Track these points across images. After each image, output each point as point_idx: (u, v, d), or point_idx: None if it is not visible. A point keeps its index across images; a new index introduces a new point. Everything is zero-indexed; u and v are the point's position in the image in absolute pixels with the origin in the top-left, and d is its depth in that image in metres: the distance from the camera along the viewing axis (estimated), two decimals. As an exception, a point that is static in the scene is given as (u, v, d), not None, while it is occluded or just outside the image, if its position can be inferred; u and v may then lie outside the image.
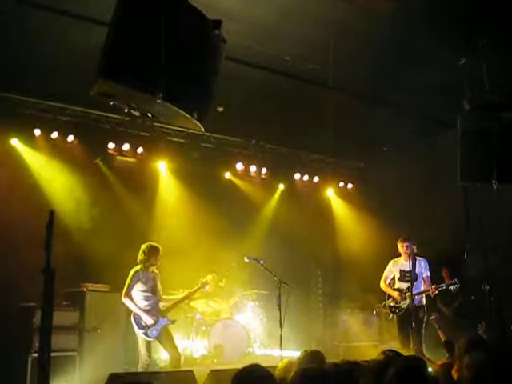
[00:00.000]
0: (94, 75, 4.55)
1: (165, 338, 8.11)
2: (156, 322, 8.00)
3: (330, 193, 13.73)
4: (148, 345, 7.99)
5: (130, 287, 7.99)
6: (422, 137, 11.15)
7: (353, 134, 10.76)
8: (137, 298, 8.04)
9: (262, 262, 8.47)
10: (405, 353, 7.93)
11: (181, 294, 8.79)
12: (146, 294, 8.07)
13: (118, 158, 10.90)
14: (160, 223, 10.63)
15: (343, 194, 13.78)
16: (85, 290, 9.11)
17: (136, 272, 8.09)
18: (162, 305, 8.28)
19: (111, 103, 5.00)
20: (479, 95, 8.18)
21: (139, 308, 7.97)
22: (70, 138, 10.31)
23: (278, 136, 11.57)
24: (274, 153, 12.61)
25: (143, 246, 8.18)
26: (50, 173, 9.95)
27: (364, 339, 11.32)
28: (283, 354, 7.61)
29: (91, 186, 10.17)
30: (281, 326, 7.77)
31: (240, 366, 8.32)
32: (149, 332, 7.93)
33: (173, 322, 8.34)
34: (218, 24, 5.06)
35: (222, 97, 7.64)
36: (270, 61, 8.38)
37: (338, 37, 7.41)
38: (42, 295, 3.95)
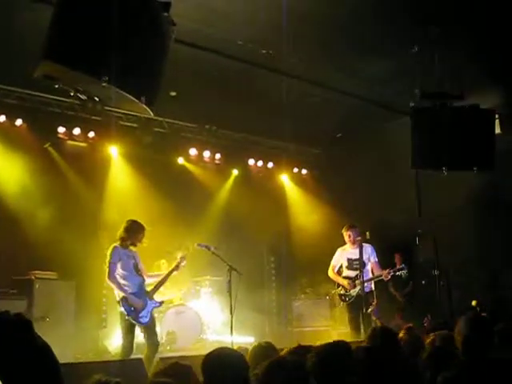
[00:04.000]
0: (39, 56, 4.41)
1: (151, 324, 7.47)
2: (144, 306, 7.34)
3: (284, 179, 13.75)
4: (133, 331, 7.27)
5: (113, 265, 7.20)
6: (375, 123, 11.24)
7: (308, 119, 10.76)
8: (120, 280, 7.24)
9: (212, 248, 8.37)
10: (356, 338, 8.09)
11: (161, 272, 8.29)
12: (127, 273, 7.32)
13: (69, 142, 10.65)
14: (111, 209, 10.43)
15: (297, 180, 13.82)
16: (33, 277, 8.90)
17: (115, 248, 7.32)
18: (146, 286, 7.61)
19: (56, 86, 4.87)
20: (431, 83, 8.24)
21: (126, 291, 7.21)
22: (19, 121, 10.00)
23: (232, 121, 11.48)
24: (227, 138, 12.53)
25: (126, 222, 7.51)
26: (-3, 157, 9.67)
27: (317, 324, 11.41)
28: (235, 341, 7.61)
29: (41, 172, 9.89)
30: (231, 313, 7.73)
31: (193, 352, 8.32)
32: (139, 318, 7.21)
33: (161, 303, 7.81)
34: (166, 6, 4.95)
35: (174, 81, 7.55)
36: (222, 44, 8.27)
37: (291, 21, 7.32)
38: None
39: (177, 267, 7.92)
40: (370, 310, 8.47)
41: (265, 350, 4.47)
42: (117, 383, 2.96)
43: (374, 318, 8.67)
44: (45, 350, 2.36)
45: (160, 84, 5.07)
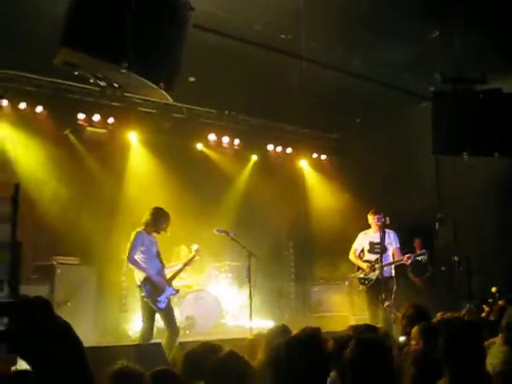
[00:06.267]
0: (58, 44, 4.44)
1: (168, 310, 7.49)
2: (163, 290, 7.35)
3: (303, 164, 13.71)
4: (153, 316, 7.34)
5: (134, 249, 7.25)
6: (396, 108, 11.16)
7: (326, 104, 10.70)
8: (140, 263, 7.30)
9: (231, 233, 8.38)
10: (374, 323, 8.06)
11: (176, 264, 8.33)
12: (148, 257, 7.36)
13: (89, 128, 10.69)
14: (131, 194, 10.51)
15: (316, 166, 13.77)
16: (55, 263, 8.99)
17: (139, 233, 7.36)
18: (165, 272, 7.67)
19: (76, 73, 4.90)
20: (451, 67, 8.15)
21: (148, 271, 7.25)
22: (39, 108, 10.07)
23: (251, 107, 11.45)
24: (246, 124, 12.51)
25: (152, 209, 7.55)
26: (18, 145, 9.74)
27: (335, 310, 11.41)
28: (254, 326, 7.64)
29: (61, 158, 9.97)
30: (250, 298, 7.76)
31: (212, 337, 8.35)
32: (157, 302, 7.25)
33: (177, 291, 7.78)
34: (185, -8, 4.95)
35: (193, 67, 7.54)
36: (241, 30, 8.24)
37: (310, 6, 7.27)
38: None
39: (191, 261, 8.02)
40: (386, 305, 8.42)
41: (281, 333, 4.48)
42: (141, 374, 3.01)
43: (389, 311, 8.64)
44: (65, 328, 2.40)
45: (179, 70, 5.08)
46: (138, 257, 7.34)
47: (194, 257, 8.01)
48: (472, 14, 7.64)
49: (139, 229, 7.47)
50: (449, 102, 8.24)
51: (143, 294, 7.24)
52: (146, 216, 7.55)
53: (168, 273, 7.80)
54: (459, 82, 8.18)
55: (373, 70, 9.68)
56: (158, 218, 7.54)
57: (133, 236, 7.37)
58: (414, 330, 4.42)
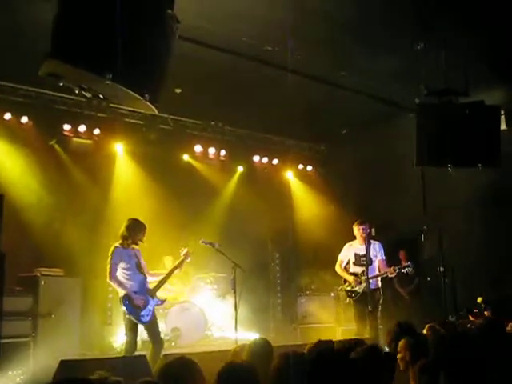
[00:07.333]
0: (42, 55, 4.42)
1: (152, 322, 7.45)
2: (146, 304, 7.33)
3: (289, 175, 13.73)
4: (136, 329, 7.28)
5: (114, 266, 7.24)
6: (381, 120, 11.22)
7: (313, 116, 10.74)
8: (121, 279, 7.30)
9: (216, 245, 8.37)
10: (361, 335, 8.09)
11: (163, 271, 8.24)
12: (130, 272, 7.35)
13: (74, 139, 10.67)
14: (116, 206, 10.43)
15: (303, 177, 13.80)
16: (38, 274, 8.90)
17: (116, 248, 7.35)
18: (148, 283, 7.62)
19: (61, 84, 4.87)
20: (436, 80, 8.21)
21: (127, 289, 7.25)
22: (24, 119, 10.03)
23: (237, 118, 11.48)
24: (232, 135, 12.54)
25: (127, 221, 7.52)
26: (2, 155, 9.68)
27: (322, 321, 11.40)
28: (239, 337, 7.62)
29: (46, 169, 9.94)
30: (236, 310, 7.76)
31: (198, 349, 8.33)
32: (140, 316, 7.22)
33: (163, 301, 7.78)
34: (170, 3, 4.95)
35: (179, 78, 7.56)
36: (227, 41, 8.26)
37: (296, 18, 7.31)
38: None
39: (181, 264, 7.92)
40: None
41: (261, 346, 4.54)
42: (116, 382, 2.98)
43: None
44: None
45: (164, 81, 5.07)
46: (119, 273, 7.32)
47: (183, 260, 7.94)
48: (457, 24, 7.71)
49: (116, 244, 7.43)
50: (433, 114, 8.31)
51: (124, 308, 7.22)
52: (121, 229, 7.51)
53: (153, 282, 7.77)
54: (443, 94, 8.25)
55: (359, 82, 9.73)
56: (134, 230, 7.50)
57: (110, 253, 7.34)
58: (401, 343, 4.50)
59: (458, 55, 8.01)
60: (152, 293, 7.55)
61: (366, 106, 10.70)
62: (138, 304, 7.26)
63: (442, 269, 10.10)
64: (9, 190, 9.15)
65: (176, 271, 7.97)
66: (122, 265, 7.32)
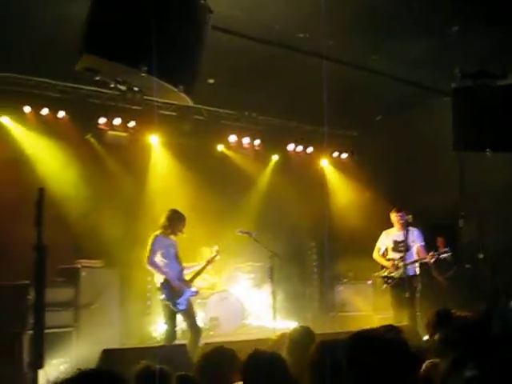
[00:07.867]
0: (78, 50, 4.48)
1: (189, 310, 7.67)
2: (182, 293, 7.54)
3: (324, 163, 13.67)
4: (174, 318, 7.51)
5: (153, 253, 7.46)
6: (416, 105, 11.08)
7: (346, 103, 10.65)
8: (160, 264, 7.53)
9: (253, 234, 8.42)
10: (398, 322, 8.04)
11: (198, 263, 8.40)
12: (167, 261, 7.57)
13: (110, 132, 10.78)
14: (153, 197, 10.56)
15: (337, 164, 13.73)
16: (79, 266, 9.06)
17: (156, 237, 7.57)
18: (184, 274, 7.82)
19: (97, 78, 4.93)
20: (472, 63, 8.07)
21: (166, 274, 7.45)
22: (61, 114, 10.19)
23: (271, 107, 11.46)
24: (266, 124, 12.52)
25: (168, 212, 7.73)
26: (40, 150, 9.86)
27: (359, 309, 11.37)
28: (277, 326, 7.65)
29: (82, 162, 10.10)
30: (273, 298, 7.79)
31: (236, 338, 8.39)
32: (177, 304, 7.45)
33: (197, 292, 7.95)
34: (203, -6, 4.95)
35: (212, 68, 7.57)
36: (258, 30, 8.23)
37: (327, 4, 7.24)
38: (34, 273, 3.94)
39: (212, 259, 8.06)
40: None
41: (301, 334, 4.52)
42: (161, 369, 3.03)
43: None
44: None
45: (198, 72, 5.08)
46: (158, 259, 7.42)
47: (214, 257, 8.05)
48: (493, 8, 7.56)
49: (156, 232, 7.59)
50: (469, 98, 8.15)
51: (163, 296, 7.32)
52: (161, 219, 7.61)
53: (188, 274, 7.86)
54: (479, 78, 8.09)
55: (392, 67, 9.61)
56: (174, 220, 7.65)
57: (150, 240, 7.50)
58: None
59: (494, 38, 7.87)
60: (187, 283, 7.65)
61: (399, 91, 10.56)
62: (177, 289, 7.40)
63: (481, 255, 9.96)
64: (47, 184, 9.32)
65: (208, 266, 8.11)
66: (160, 252, 7.49)
